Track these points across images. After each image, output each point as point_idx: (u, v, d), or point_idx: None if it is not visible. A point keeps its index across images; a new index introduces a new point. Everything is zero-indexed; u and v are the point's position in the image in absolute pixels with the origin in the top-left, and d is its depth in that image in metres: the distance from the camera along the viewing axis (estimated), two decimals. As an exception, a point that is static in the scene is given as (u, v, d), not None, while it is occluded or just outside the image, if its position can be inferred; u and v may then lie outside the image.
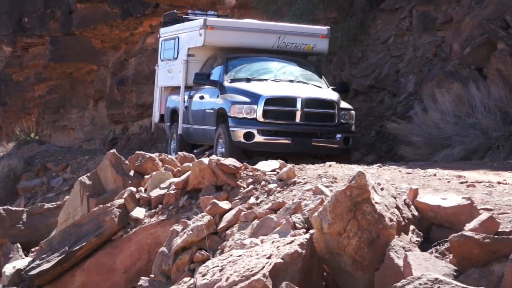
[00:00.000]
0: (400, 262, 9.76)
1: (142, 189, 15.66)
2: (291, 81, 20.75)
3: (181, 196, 14.72)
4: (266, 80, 20.52)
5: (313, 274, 10.62)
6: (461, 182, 12.67)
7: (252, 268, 10.47)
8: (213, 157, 15.08)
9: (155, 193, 15.20)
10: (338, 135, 19.20)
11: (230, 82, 20.15)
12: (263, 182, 13.77)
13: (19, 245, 17.64)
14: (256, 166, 14.67)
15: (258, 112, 18.71)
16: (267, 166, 14.67)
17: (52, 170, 27.63)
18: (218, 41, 21.28)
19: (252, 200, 13.21)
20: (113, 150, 17.99)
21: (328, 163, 15.65)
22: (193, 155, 16.89)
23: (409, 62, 24.60)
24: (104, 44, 39.84)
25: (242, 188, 13.87)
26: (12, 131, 36.52)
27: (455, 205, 10.66)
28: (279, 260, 10.42)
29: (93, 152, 31.13)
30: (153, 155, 17.01)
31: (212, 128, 19.94)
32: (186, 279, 11.43)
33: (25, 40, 43.42)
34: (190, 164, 15.34)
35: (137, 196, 15.37)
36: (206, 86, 20.81)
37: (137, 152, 17.49)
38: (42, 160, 28.53)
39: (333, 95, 20.26)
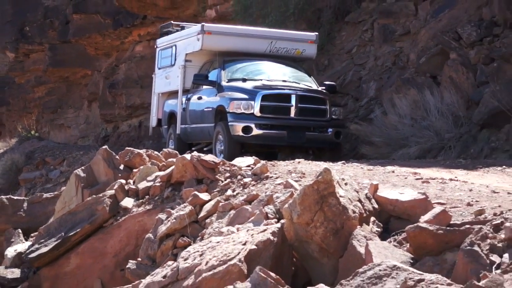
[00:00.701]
0: (362, 250, 9.75)
1: (131, 181, 15.65)
2: (284, 81, 20.49)
3: (165, 188, 14.73)
4: (261, 80, 20.23)
5: (283, 260, 10.60)
6: (417, 179, 12.70)
7: (229, 253, 10.45)
8: (194, 153, 14.96)
9: (142, 185, 15.20)
10: (330, 129, 19.06)
11: (227, 82, 19.90)
12: (239, 176, 13.77)
13: (20, 231, 17.61)
14: (233, 162, 14.66)
15: (255, 107, 18.56)
16: (242, 162, 14.67)
17: (50, 163, 27.63)
18: (215, 45, 21.07)
19: (229, 192, 13.21)
20: (105, 146, 17.94)
21: (297, 160, 15.65)
22: (176, 152, 16.87)
23: (371, 70, 24.60)
24: (97, 51, 39.78)
25: (220, 182, 13.87)
26: (14, 128, 36.42)
27: (412, 199, 10.68)
28: (253, 247, 10.40)
29: (87, 148, 31.09)
30: (140, 151, 17.00)
31: (211, 125, 19.67)
32: (169, 262, 11.38)
33: (26, 47, 43.37)
34: (174, 160, 15.35)
35: (126, 187, 15.37)
36: (203, 88, 20.59)
37: (127, 148, 17.49)
38: (41, 154, 28.52)
39: (324, 93, 20.23)
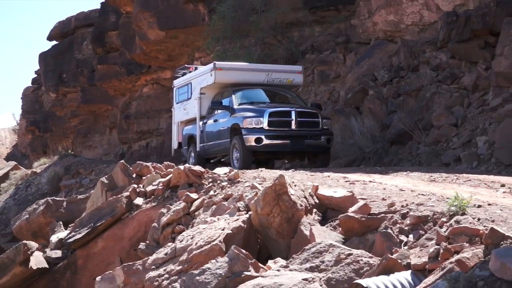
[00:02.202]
0: (307, 233, 9.75)
1: (141, 185, 15.54)
2: (282, 102, 19.91)
3: (166, 190, 14.63)
4: (265, 103, 19.53)
5: (251, 241, 10.58)
6: (346, 181, 12.70)
7: (212, 236, 10.42)
8: (186, 165, 14.88)
9: (149, 188, 15.12)
10: (323, 137, 18.29)
11: (238, 105, 19.10)
12: (218, 181, 13.70)
13: (61, 223, 17.51)
14: (214, 171, 14.60)
15: (264, 122, 17.85)
16: (221, 171, 14.57)
17: (83, 174, 27.47)
18: (224, 78, 20.17)
19: (211, 192, 13.15)
20: (122, 161, 17.86)
21: (260, 169, 15.60)
22: (173, 164, 16.72)
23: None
24: (116, 92, 39.69)
25: (205, 185, 13.79)
26: (56, 148, 36.23)
27: (342, 196, 10.69)
28: (229, 231, 10.37)
29: (109, 162, 30.91)
30: (148, 164, 16.92)
31: (227, 140, 18.83)
32: (169, 244, 11.32)
33: (64, 89, 43.24)
34: (172, 170, 15.27)
35: (137, 190, 15.27)
36: (218, 112, 19.80)
37: (138, 162, 17.38)
38: (76, 167, 28.34)
39: (316, 109, 19.54)
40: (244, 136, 17.83)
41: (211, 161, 20.23)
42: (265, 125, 17.79)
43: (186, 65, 23.79)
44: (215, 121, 19.78)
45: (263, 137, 17.69)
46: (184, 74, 22.60)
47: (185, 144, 21.67)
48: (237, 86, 19.88)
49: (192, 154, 20.94)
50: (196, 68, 22.26)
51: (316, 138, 18.20)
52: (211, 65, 20.29)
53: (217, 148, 19.58)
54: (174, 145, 22.96)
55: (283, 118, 18.10)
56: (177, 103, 22.71)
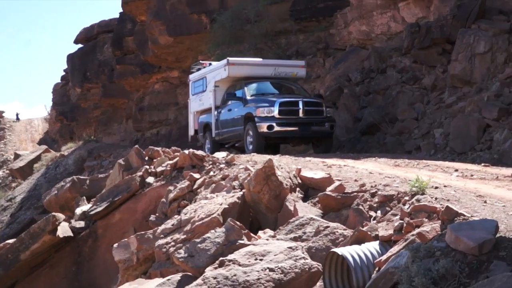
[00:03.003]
0: (291, 208, 9.74)
1: (152, 167, 15.48)
2: (289, 93, 19.03)
3: (173, 171, 14.59)
4: (274, 94, 18.76)
5: (244, 214, 10.56)
6: (324, 165, 12.66)
7: (211, 210, 10.40)
8: (190, 150, 14.74)
9: (159, 169, 15.07)
10: (326, 124, 17.51)
11: (250, 97, 18.30)
12: (217, 164, 13.65)
13: (84, 198, 17.44)
14: (214, 155, 14.54)
15: (275, 111, 17.10)
16: (219, 155, 14.52)
17: (103, 156, 27.27)
18: (237, 73, 19.25)
19: (211, 173, 13.10)
20: (136, 146, 17.81)
21: (252, 154, 15.46)
22: (179, 149, 16.53)
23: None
24: (131, 88, 39.44)
25: (206, 167, 13.74)
26: (81, 135, 36.03)
27: (321, 177, 10.67)
28: (226, 206, 10.37)
29: (125, 147, 30.70)
30: (158, 148, 16.83)
31: (241, 127, 18.08)
32: (175, 216, 11.31)
33: (88, 85, 42.98)
34: (178, 154, 15.22)
35: (149, 170, 15.22)
36: (231, 102, 18.95)
37: (149, 147, 17.28)
38: (97, 151, 28.16)
39: (320, 98, 18.97)
40: (257, 124, 17.21)
41: (226, 145, 19.65)
42: (276, 113, 17.13)
43: (200, 61, 22.81)
44: (229, 110, 19.06)
45: (274, 124, 17.06)
46: (198, 69, 21.80)
47: (201, 131, 20.98)
48: (248, 79, 19.13)
49: (208, 139, 20.28)
50: (210, 64, 21.40)
51: (321, 125, 17.52)
52: (224, 61, 19.55)
53: (231, 134, 18.91)
54: (191, 131, 22.21)
55: (291, 107, 17.46)
56: (192, 95, 21.93)
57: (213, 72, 20.16)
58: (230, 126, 18.86)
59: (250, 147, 17.40)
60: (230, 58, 19.58)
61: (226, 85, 19.65)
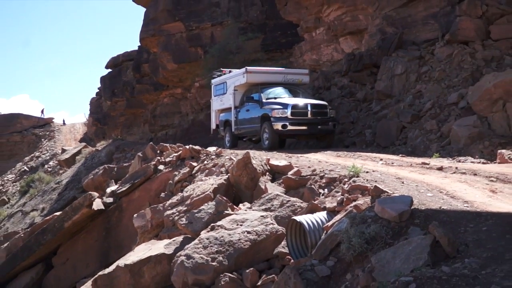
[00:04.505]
0: (263, 187, 9.65)
1: (162, 158, 15.29)
2: (297, 97, 17.20)
3: (177, 161, 14.41)
4: (285, 97, 16.95)
5: (229, 192, 10.46)
6: (287, 156, 12.62)
7: (205, 189, 10.28)
8: (190, 145, 14.53)
9: (167, 159, 14.86)
10: (330, 123, 16.01)
11: (266, 100, 16.70)
12: (209, 155, 13.53)
13: (113, 181, 17.22)
14: (207, 149, 14.40)
15: (288, 113, 15.60)
16: (211, 149, 14.39)
17: (127, 151, 26.91)
18: (253, 79, 17.75)
19: (205, 162, 12.97)
20: (151, 143, 17.57)
21: (235, 148, 15.30)
22: (182, 144, 16.19)
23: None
24: (147, 101, 38.95)
25: (201, 157, 13.61)
26: (110, 135, 35.56)
27: (284, 165, 10.59)
28: (216, 186, 10.25)
29: (143, 143, 30.23)
30: (166, 144, 16.62)
31: (257, 125, 16.62)
32: (179, 193, 11.16)
33: (115, 99, 42.47)
34: (181, 148, 15.04)
35: (160, 160, 15.00)
36: (249, 104, 17.37)
37: (160, 143, 17.06)
38: (123, 147, 27.75)
39: (324, 101, 17.32)
40: (273, 123, 15.87)
41: (244, 139, 18.34)
42: (288, 114, 15.72)
43: (221, 69, 20.87)
44: (247, 110, 17.56)
45: (287, 123, 15.69)
46: (219, 75, 20.24)
47: (221, 126, 19.45)
48: (262, 85, 17.68)
49: (228, 133, 18.84)
50: (230, 71, 19.83)
51: (326, 124, 16.12)
52: (243, 69, 18.12)
53: (249, 130, 17.49)
54: (213, 126, 20.49)
55: (301, 109, 15.98)
56: (214, 96, 20.22)
57: (233, 78, 18.82)
58: (248, 124, 17.54)
59: (266, 142, 16.25)
60: (248, 67, 18.28)
61: (244, 89, 18.31)
